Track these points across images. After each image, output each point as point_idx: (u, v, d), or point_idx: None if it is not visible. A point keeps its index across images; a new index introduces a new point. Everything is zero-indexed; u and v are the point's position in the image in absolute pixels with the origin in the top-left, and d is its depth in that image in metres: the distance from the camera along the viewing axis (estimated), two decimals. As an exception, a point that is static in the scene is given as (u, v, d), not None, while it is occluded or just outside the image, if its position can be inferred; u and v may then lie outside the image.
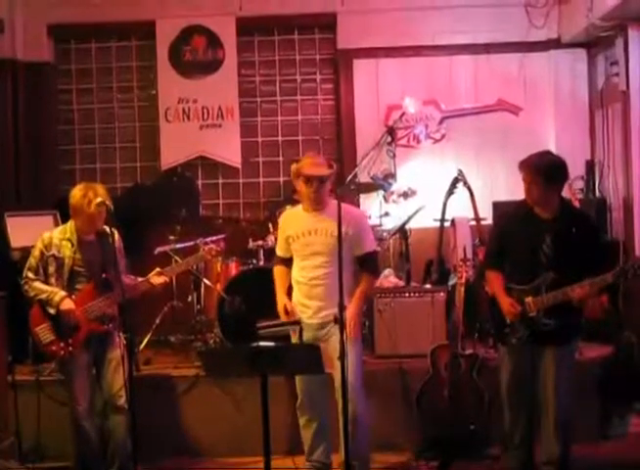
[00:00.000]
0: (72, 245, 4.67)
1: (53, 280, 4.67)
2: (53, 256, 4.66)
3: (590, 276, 4.30)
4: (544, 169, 4.40)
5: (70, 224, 4.73)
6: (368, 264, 4.76)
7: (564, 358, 4.50)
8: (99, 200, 4.54)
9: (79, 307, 4.62)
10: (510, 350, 4.58)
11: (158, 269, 4.88)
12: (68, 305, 4.60)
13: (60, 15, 7.22)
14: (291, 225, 4.80)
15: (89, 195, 4.57)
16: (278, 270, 4.89)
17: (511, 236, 4.56)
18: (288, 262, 4.84)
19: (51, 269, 4.67)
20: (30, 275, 4.68)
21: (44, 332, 4.63)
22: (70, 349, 4.61)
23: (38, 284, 4.66)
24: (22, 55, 7.21)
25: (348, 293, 4.52)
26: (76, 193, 4.63)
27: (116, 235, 4.75)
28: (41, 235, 4.76)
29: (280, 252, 4.90)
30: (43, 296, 4.63)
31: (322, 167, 4.66)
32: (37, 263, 4.68)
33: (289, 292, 4.81)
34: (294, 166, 4.76)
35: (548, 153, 4.64)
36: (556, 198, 4.48)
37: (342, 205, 4.15)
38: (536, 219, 4.48)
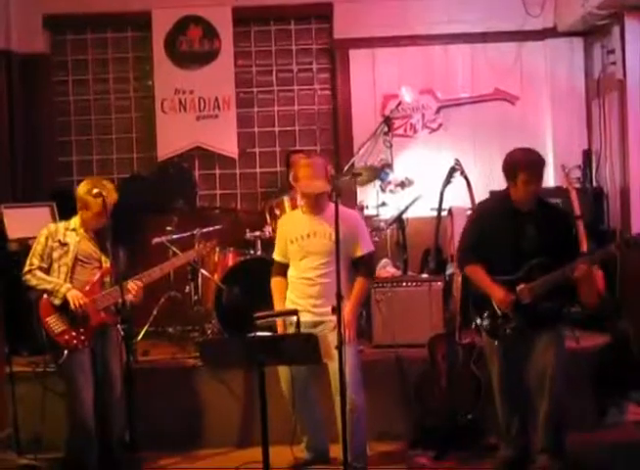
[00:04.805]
0: (77, 235, 4.73)
1: (56, 266, 4.69)
2: (59, 241, 4.70)
3: (578, 256, 4.38)
4: (544, 163, 4.47)
5: (76, 219, 4.78)
6: (363, 267, 4.73)
7: (560, 338, 4.53)
8: (95, 190, 4.58)
9: (88, 298, 4.63)
10: (502, 341, 4.53)
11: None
12: (75, 294, 4.60)
13: (55, 6, 7.19)
14: (290, 228, 4.79)
15: (96, 190, 4.61)
16: (276, 283, 4.81)
17: (492, 231, 4.54)
18: (285, 270, 4.80)
19: (55, 255, 4.69)
20: (35, 261, 4.68)
21: (55, 322, 4.62)
22: (83, 338, 4.62)
23: (42, 274, 4.67)
24: (17, 46, 7.18)
25: (345, 293, 4.46)
26: (83, 187, 4.69)
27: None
28: (45, 225, 4.83)
29: (279, 256, 4.84)
30: (48, 286, 4.63)
31: (317, 182, 4.60)
32: (43, 249, 4.70)
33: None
34: (292, 173, 4.76)
35: (528, 148, 4.57)
36: None
37: (339, 207, 4.19)
38: (517, 213, 4.51)
